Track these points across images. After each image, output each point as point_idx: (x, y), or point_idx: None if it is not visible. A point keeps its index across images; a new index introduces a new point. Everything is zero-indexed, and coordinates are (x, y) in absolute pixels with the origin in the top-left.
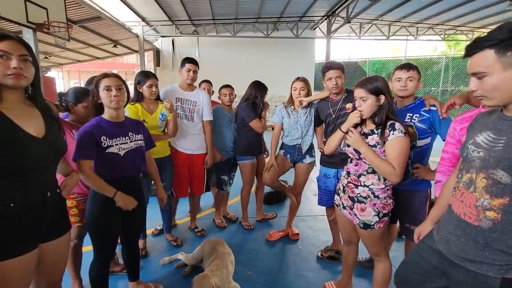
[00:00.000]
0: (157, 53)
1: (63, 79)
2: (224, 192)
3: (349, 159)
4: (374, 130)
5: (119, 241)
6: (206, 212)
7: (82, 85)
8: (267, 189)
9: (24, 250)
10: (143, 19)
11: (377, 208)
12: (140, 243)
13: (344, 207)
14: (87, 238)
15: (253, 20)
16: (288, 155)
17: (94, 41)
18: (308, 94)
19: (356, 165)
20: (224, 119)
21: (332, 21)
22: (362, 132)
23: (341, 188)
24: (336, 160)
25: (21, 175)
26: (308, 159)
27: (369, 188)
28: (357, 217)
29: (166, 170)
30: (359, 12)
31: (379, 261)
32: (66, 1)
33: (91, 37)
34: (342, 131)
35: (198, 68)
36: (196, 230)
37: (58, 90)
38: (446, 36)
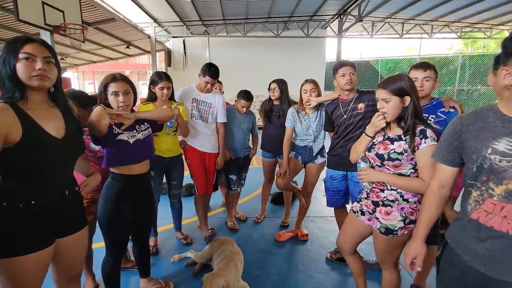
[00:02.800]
0: (169, 53)
1: (78, 80)
2: (234, 193)
3: (363, 163)
4: (402, 136)
5: (130, 238)
6: (216, 211)
7: (96, 85)
8: (275, 189)
9: (41, 246)
10: (155, 20)
11: (405, 213)
12: (151, 240)
13: (362, 213)
14: (98, 236)
15: (263, 19)
16: (300, 156)
17: (108, 42)
18: (319, 95)
19: (380, 171)
20: (236, 120)
21: (344, 20)
22: (386, 137)
23: (365, 195)
24: (344, 162)
25: (41, 174)
26: (319, 159)
27: (397, 191)
28: (378, 221)
29: (177, 169)
30: (372, 10)
31: (385, 269)
32: (81, 4)
33: (105, 39)
34: (368, 135)
35: (217, 80)
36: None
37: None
38: (462, 34)
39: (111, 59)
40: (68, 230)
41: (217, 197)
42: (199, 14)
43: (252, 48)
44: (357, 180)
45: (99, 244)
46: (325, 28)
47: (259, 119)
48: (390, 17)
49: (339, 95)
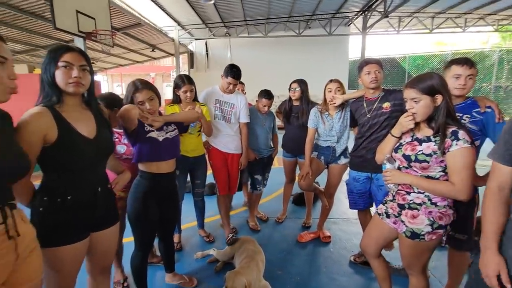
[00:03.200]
0: (191, 55)
1: (107, 82)
2: (258, 192)
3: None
4: (431, 137)
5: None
6: (238, 210)
7: (124, 87)
8: (297, 189)
9: (77, 238)
10: (179, 24)
11: (433, 217)
12: (175, 237)
13: (388, 216)
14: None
15: (284, 19)
16: (322, 157)
17: (134, 46)
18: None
19: (406, 172)
20: (258, 119)
21: (368, 16)
22: (414, 138)
23: (390, 197)
24: (368, 163)
25: (75, 172)
26: (342, 160)
27: (425, 194)
28: (404, 224)
29: (201, 168)
30: (398, 5)
31: (412, 275)
32: (111, 10)
33: (132, 43)
34: (394, 136)
35: (239, 81)
36: None
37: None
38: (499, 27)
39: (138, 62)
40: (101, 225)
41: (239, 197)
42: (221, 16)
43: (273, 48)
44: (381, 183)
45: (128, 239)
46: (349, 25)
47: (278, 120)
48: (419, 12)
49: (364, 94)
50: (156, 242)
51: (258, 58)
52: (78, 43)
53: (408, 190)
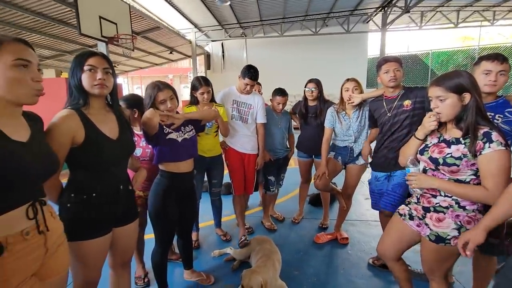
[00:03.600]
0: (208, 57)
1: (128, 85)
2: (271, 194)
3: (409, 166)
4: (461, 139)
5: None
6: (253, 210)
7: (143, 89)
8: (313, 190)
9: (101, 233)
10: (196, 26)
11: (460, 221)
12: (193, 235)
13: (411, 218)
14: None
15: (301, 18)
16: (340, 157)
17: (153, 49)
18: (361, 93)
19: (433, 176)
20: (273, 120)
21: (388, 12)
22: (442, 139)
23: (414, 199)
24: (389, 163)
25: (100, 171)
26: (360, 161)
27: (452, 198)
28: (428, 227)
29: (218, 168)
30: None
31: (433, 281)
32: (131, 15)
33: (151, 46)
34: (418, 138)
35: (256, 82)
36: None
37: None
38: None
39: (156, 64)
40: (123, 221)
41: (255, 196)
42: (237, 17)
43: (289, 47)
44: (397, 181)
45: (150, 236)
46: (367, 22)
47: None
48: (443, 5)
49: (384, 92)
50: (175, 239)
51: (273, 58)
52: (101, 47)
53: (434, 193)
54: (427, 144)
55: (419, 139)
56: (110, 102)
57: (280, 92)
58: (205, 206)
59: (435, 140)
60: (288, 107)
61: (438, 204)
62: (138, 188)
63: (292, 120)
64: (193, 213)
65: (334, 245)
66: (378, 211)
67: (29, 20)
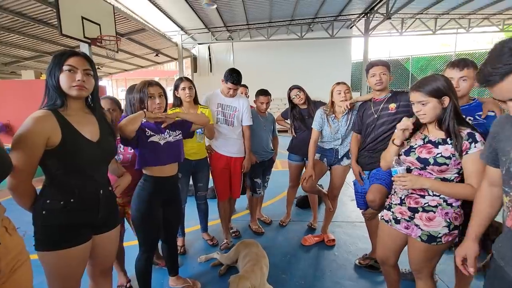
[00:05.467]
0: (195, 60)
1: (112, 87)
2: (258, 196)
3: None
4: (448, 139)
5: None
6: (241, 213)
7: None
8: (301, 192)
9: (80, 241)
10: (182, 28)
11: (449, 219)
12: (179, 240)
13: (397, 221)
14: (129, 234)
15: (287, 22)
16: (325, 159)
17: (138, 51)
18: (351, 97)
19: (419, 175)
20: (258, 122)
21: (371, 19)
22: (427, 140)
23: (397, 201)
24: (372, 161)
25: (78, 174)
26: (345, 162)
27: (440, 196)
28: (419, 228)
29: (203, 171)
30: (401, 7)
31: (420, 279)
32: (115, 16)
33: (136, 48)
34: (395, 144)
35: (240, 85)
36: (230, 231)
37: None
38: (505, 27)
39: (142, 67)
40: (103, 228)
41: (242, 200)
42: (224, 20)
43: (276, 51)
44: (378, 176)
45: (130, 243)
46: (351, 27)
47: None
48: (422, 13)
49: (373, 96)
50: (160, 244)
51: (260, 62)
52: (84, 48)
53: (422, 193)
54: (412, 146)
55: (396, 145)
56: (91, 104)
57: (263, 92)
58: (191, 211)
59: (420, 142)
60: (273, 110)
61: (427, 204)
62: (119, 193)
63: (278, 124)
64: (178, 217)
65: (321, 247)
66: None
67: (7, 19)
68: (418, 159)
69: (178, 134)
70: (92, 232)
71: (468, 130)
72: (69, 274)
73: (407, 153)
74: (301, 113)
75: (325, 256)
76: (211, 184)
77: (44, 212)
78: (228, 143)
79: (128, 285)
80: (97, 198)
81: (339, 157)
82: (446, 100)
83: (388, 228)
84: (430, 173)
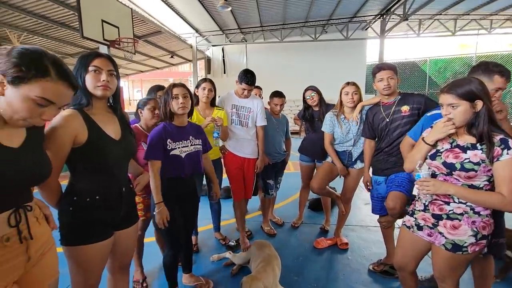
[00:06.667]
0: (208, 61)
1: (128, 88)
2: (270, 197)
3: (419, 171)
4: (477, 145)
5: None
6: (253, 214)
7: (144, 92)
8: (313, 195)
9: (104, 236)
10: (197, 31)
11: (476, 228)
12: (192, 239)
13: (419, 228)
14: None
15: (300, 24)
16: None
17: (154, 53)
18: (360, 98)
19: (444, 181)
20: (272, 124)
21: (387, 20)
22: (455, 144)
23: (421, 207)
24: (389, 166)
25: (103, 172)
26: (359, 165)
27: (467, 204)
28: (443, 236)
29: (216, 171)
30: (418, 7)
31: None
32: (133, 19)
33: (152, 50)
34: (428, 143)
35: (254, 87)
36: None
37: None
38: None
39: (157, 68)
40: (124, 224)
41: (254, 201)
42: (238, 22)
43: (289, 53)
44: (397, 183)
45: (149, 239)
46: (366, 29)
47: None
48: (440, 14)
49: (381, 99)
50: None
51: (273, 63)
52: (103, 50)
53: (446, 200)
54: (439, 150)
55: (430, 144)
56: (112, 104)
57: (277, 93)
58: (203, 210)
59: (447, 146)
60: (286, 111)
61: (451, 211)
62: (139, 191)
63: (295, 124)
64: (194, 215)
65: (334, 250)
66: (377, 216)
67: (32, 22)
68: (444, 163)
69: (199, 144)
70: (114, 228)
71: (501, 136)
72: (91, 269)
73: (433, 157)
74: (312, 114)
75: (338, 259)
76: (223, 184)
77: (71, 209)
78: (242, 144)
79: (143, 281)
80: (119, 196)
81: (353, 160)
82: (479, 104)
83: (410, 234)
84: (456, 179)
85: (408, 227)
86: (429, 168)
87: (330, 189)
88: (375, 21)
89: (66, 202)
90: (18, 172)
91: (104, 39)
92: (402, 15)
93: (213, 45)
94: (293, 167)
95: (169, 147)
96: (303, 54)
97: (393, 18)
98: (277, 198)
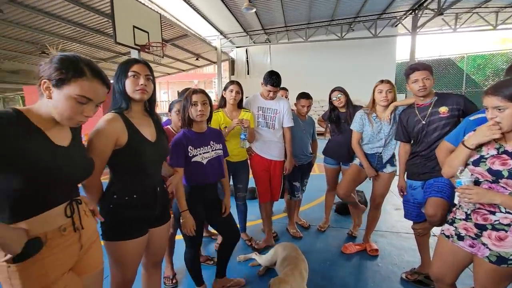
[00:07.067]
0: (232, 63)
1: (155, 90)
2: (296, 199)
3: (461, 178)
4: None
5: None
6: (278, 216)
7: (170, 94)
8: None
9: (140, 233)
10: (221, 33)
11: None
12: (219, 238)
13: (460, 238)
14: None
15: (326, 23)
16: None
17: (181, 55)
18: (395, 97)
19: (489, 188)
20: (298, 126)
21: (419, 15)
22: (503, 150)
23: (462, 216)
24: (426, 171)
25: (140, 172)
26: (389, 169)
27: None
28: (487, 248)
29: (243, 173)
30: (455, 1)
31: None
32: (162, 24)
33: (178, 53)
34: (468, 147)
35: (279, 88)
36: None
37: None
38: None
39: (183, 70)
40: (158, 222)
41: (279, 202)
42: (262, 23)
43: (314, 52)
44: (436, 188)
45: (178, 237)
46: (396, 25)
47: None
48: (480, 7)
49: (415, 101)
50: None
51: (298, 63)
52: (134, 55)
53: (492, 209)
54: (483, 155)
55: (470, 149)
56: (148, 107)
57: (304, 95)
58: (230, 211)
59: (494, 152)
60: (310, 112)
61: (497, 222)
62: (171, 190)
63: (318, 126)
64: (224, 219)
65: (363, 256)
66: (410, 222)
67: (71, 30)
68: (489, 170)
69: (219, 149)
70: (149, 226)
71: None
72: (128, 263)
73: (477, 163)
74: (338, 116)
75: (367, 266)
76: (250, 185)
77: (111, 206)
78: (269, 146)
79: (173, 278)
80: (155, 195)
81: (383, 163)
82: None
83: (449, 244)
84: (503, 187)
85: (447, 237)
86: (471, 174)
87: (356, 199)
88: (406, 17)
89: (107, 199)
90: (71, 167)
91: (135, 44)
92: (436, 10)
93: (237, 47)
94: (318, 169)
95: (190, 153)
96: (328, 53)
97: (426, 13)
98: (303, 201)
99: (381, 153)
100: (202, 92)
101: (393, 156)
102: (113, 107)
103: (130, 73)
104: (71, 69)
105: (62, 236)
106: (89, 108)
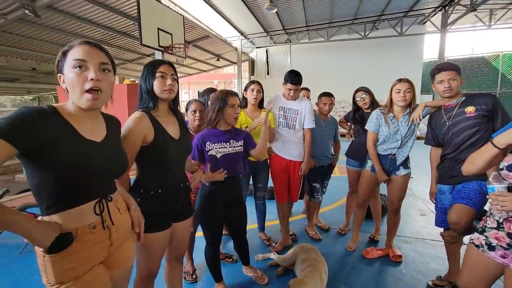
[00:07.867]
0: (252, 63)
1: None
2: (316, 201)
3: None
4: None
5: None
6: (297, 217)
7: (191, 94)
8: None
9: (165, 226)
10: (242, 33)
11: None
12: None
13: (491, 248)
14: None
15: (348, 22)
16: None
17: (202, 56)
18: (414, 97)
19: None
20: (319, 126)
21: (450, 12)
22: None
23: (493, 225)
24: (454, 174)
25: (165, 169)
26: (402, 171)
27: None
28: None
29: (263, 172)
30: None
31: None
32: (184, 26)
33: (200, 54)
34: (497, 147)
35: (300, 86)
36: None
37: None
38: None
39: (204, 71)
40: (181, 217)
41: (299, 203)
42: (282, 23)
43: (336, 52)
44: (463, 194)
45: (198, 234)
46: (424, 23)
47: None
48: None
49: (443, 103)
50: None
51: (319, 63)
52: (158, 56)
53: None
54: None
55: (499, 148)
56: (172, 106)
57: (326, 93)
58: (249, 210)
59: None
60: (331, 113)
61: None
62: (194, 187)
63: (339, 127)
64: (241, 216)
65: (386, 262)
66: (437, 229)
67: (100, 33)
68: None
69: (240, 146)
70: (172, 220)
71: None
72: (153, 254)
73: (511, 168)
74: (363, 116)
75: (390, 272)
76: (269, 185)
77: (138, 200)
78: (289, 146)
79: (193, 273)
80: (178, 190)
81: (396, 165)
82: None
83: (478, 254)
84: None
85: (477, 246)
86: (505, 180)
87: (380, 203)
88: (435, 14)
89: (134, 193)
90: (102, 163)
91: (159, 46)
92: (469, 6)
93: (257, 47)
94: (339, 171)
95: (206, 148)
96: (350, 53)
97: (457, 10)
98: (323, 202)
99: (395, 154)
100: (237, 94)
101: (407, 158)
102: (141, 106)
103: (157, 74)
104: (67, 46)
105: (91, 233)
106: (90, 71)
